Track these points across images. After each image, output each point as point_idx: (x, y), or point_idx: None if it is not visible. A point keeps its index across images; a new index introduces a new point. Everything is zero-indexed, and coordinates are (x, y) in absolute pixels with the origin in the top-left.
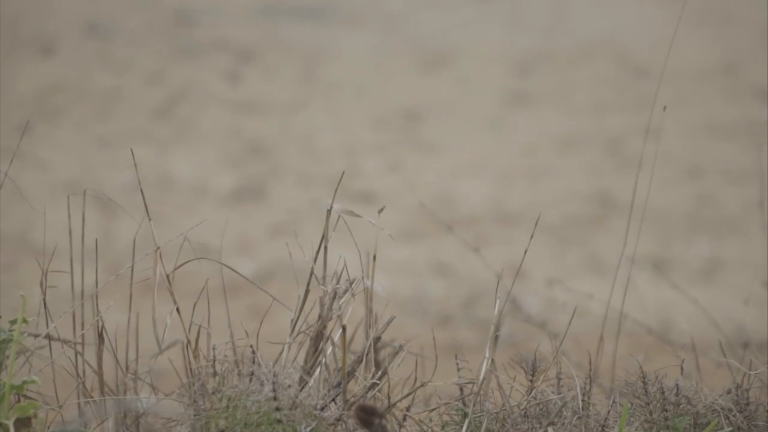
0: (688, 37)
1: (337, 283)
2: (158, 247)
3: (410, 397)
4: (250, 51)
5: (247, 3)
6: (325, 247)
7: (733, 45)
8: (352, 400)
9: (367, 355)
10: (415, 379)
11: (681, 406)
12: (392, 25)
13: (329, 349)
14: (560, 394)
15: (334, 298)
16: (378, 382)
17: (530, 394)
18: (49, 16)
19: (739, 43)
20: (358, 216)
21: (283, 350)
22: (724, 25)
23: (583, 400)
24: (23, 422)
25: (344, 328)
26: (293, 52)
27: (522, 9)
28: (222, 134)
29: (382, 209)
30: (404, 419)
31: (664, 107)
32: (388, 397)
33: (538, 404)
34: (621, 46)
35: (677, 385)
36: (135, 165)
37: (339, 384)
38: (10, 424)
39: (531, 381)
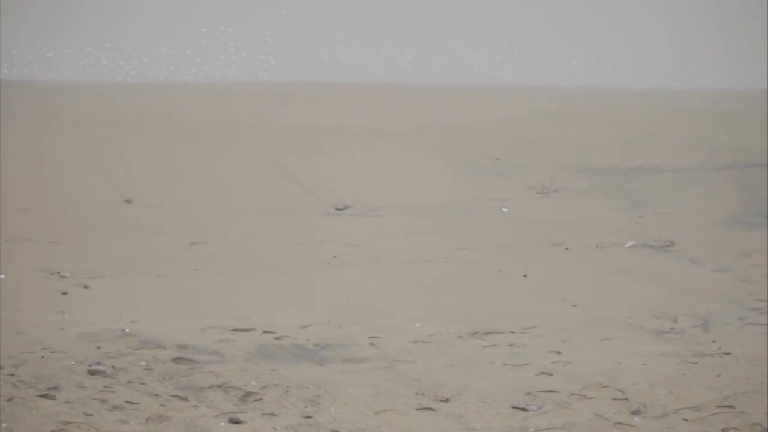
0: (686, 376)
1: None
2: None
3: None
4: (250, 392)
5: (245, 344)
6: None
7: (732, 380)
8: None
9: None
10: None
11: None
12: (390, 365)
13: None
14: None
15: None
16: None
17: None
18: (51, 360)
19: (738, 379)
20: None
21: None
22: (720, 359)
23: None
24: None
25: None
26: (292, 393)
27: (521, 347)
28: None
29: None
30: None
31: None
32: None
33: None
34: (618, 384)
35: None
36: None
37: None
38: None
39: None
